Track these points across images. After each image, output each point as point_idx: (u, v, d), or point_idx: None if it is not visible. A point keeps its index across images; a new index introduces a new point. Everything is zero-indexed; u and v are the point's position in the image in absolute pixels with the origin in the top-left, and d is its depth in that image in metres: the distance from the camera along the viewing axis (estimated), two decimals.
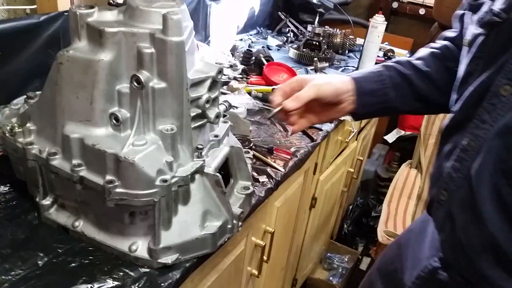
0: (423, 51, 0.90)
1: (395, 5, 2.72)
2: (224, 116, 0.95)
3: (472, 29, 0.71)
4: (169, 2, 0.73)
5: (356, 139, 2.03)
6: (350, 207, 2.39)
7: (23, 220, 0.82)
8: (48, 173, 0.77)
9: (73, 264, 0.74)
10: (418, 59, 0.88)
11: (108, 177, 0.69)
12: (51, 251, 0.76)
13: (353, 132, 1.73)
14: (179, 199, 0.75)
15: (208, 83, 0.75)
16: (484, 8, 0.68)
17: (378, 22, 1.84)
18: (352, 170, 2.01)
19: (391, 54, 2.16)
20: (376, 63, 1.99)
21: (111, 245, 0.76)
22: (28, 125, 0.77)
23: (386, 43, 2.30)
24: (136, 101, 0.70)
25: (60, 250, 0.76)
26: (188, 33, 0.71)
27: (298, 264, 1.82)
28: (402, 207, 1.68)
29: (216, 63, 1.61)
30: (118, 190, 0.69)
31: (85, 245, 0.78)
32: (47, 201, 0.80)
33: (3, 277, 0.70)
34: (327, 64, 1.85)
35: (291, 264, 1.69)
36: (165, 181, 0.70)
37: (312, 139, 1.28)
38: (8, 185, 0.90)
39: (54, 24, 1.16)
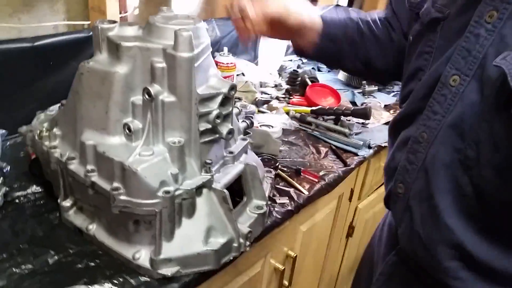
0: (377, 14, 0.93)
1: None
2: (246, 133, 0.95)
3: (416, 26, 0.74)
4: (187, 20, 0.75)
5: None
6: None
7: (45, 218, 0.87)
8: (67, 176, 0.82)
9: (79, 266, 0.77)
10: (375, 22, 0.91)
11: (115, 184, 0.72)
12: (63, 251, 0.79)
13: None
14: (184, 212, 0.76)
15: (219, 99, 0.76)
16: (426, 4, 0.71)
17: None
18: None
19: None
20: None
21: (117, 251, 0.78)
22: (54, 130, 0.83)
23: None
24: (147, 113, 0.73)
25: (71, 251, 0.80)
26: (201, 49, 0.73)
27: None
28: None
29: (260, 82, 1.64)
30: (122, 197, 0.71)
31: (95, 248, 0.81)
32: (67, 203, 0.85)
33: (14, 269, 0.74)
34: (376, 88, 1.79)
35: None
36: (167, 192, 0.71)
37: (345, 164, 1.24)
38: (39, 185, 0.96)
39: None
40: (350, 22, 0.89)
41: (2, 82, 1.10)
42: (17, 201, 0.92)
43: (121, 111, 0.74)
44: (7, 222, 0.85)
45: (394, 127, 0.80)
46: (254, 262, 1.02)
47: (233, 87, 0.77)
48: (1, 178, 0.95)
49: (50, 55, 1.18)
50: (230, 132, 0.81)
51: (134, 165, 0.69)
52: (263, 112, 1.46)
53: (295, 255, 1.15)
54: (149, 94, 0.71)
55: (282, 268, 1.11)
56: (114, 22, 0.74)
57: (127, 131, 0.74)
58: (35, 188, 0.96)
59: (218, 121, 0.78)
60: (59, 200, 0.86)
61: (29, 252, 0.78)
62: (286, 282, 1.16)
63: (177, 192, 0.73)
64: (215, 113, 0.76)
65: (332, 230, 1.42)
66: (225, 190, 0.79)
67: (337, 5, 2.19)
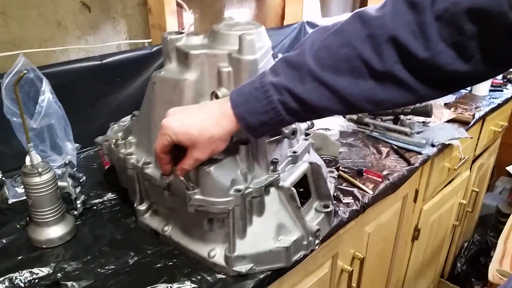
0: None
1: None
2: (307, 134, 0.96)
3: None
4: (248, 26, 0.78)
5: (470, 169, 1.86)
6: (465, 244, 2.17)
7: (122, 223, 0.93)
8: (143, 181, 0.86)
9: (158, 265, 0.81)
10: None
11: (190, 184, 0.75)
12: (141, 252, 0.84)
13: (462, 159, 1.59)
14: (254, 210, 0.78)
15: None
16: None
17: None
18: (464, 202, 1.84)
19: (511, 76, 1.96)
20: (492, 86, 1.83)
21: (192, 250, 0.81)
22: (129, 138, 0.88)
23: None
24: None
25: (149, 252, 0.84)
26: (263, 52, 0.75)
27: None
28: None
29: None
30: (197, 196, 0.74)
31: (171, 248, 0.85)
32: (143, 207, 0.90)
33: (99, 269, 0.79)
34: None
35: None
36: (238, 190, 0.74)
37: (409, 163, 1.22)
38: (114, 192, 1.03)
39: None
40: (275, 91, 0.65)
41: (74, 99, 1.18)
42: (94, 208, 0.98)
43: None
44: (87, 228, 0.92)
45: None
46: (323, 263, 1.02)
47: None
48: (79, 187, 1.02)
49: (117, 72, 1.26)
50: (294, 132, 0.83)
51: (207, 165, 0.72)
52: None
53: (362, 257, 1.13)
54: (217, 97, 0.74)
55: (350, 270, 1.10)
56: (181, 33, 0.79)
57: None
58: (110, 196, 1.02)
59: None
60: (135, 205, 0.91)
61: (110, 254, 0.84)
62: (354, 285, 1.15)
63: (247, 191, 0.75)
64: None
65: (397, 232, 1.39)
66: (293, 188, 0.80)
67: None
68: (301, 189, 0.88)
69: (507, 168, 2.24)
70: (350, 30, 0.60)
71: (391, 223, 1.32)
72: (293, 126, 0.82)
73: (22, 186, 1.04)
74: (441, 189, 1.63)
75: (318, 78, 0.61)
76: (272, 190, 0.80)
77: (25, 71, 0.72)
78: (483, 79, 0.61)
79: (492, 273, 1.36)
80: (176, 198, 0.80)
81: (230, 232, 0.76)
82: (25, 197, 1.00)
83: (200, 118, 0.67)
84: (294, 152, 0.87)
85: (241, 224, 0.76)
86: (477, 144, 1.81)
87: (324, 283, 1.06)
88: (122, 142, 0.88)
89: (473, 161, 1.87)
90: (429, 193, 1.51)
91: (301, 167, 0.87)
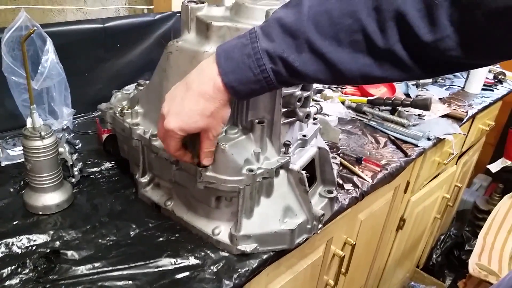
0: None
1: None
2: (315, 118, 0.96)
3: None
4: (273, 1, 0.76)
5: (456, 163, 1.90)
6: (442, 236, 2.23)
7: (121, 194, 0.90)
8: (149, 153, 0.84)
9: (160, 239, 0.79)
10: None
11: None
12: (143, 225, 0.82)
13: (452, 154, 1.62)
14: (263, 191, 0.78)
15: None
16: None
17: None
18: (448, 196, 1.88)
19: (502, 77, 2.00)
20: (484, 86, 1.86)
21: (196, 226, 0.80)
22: (136, 107, 0.85)
23: (498, 66, 2.13)
24: None
25: (150, 225, 0.82)
26: None
27: (378, 287, 1.74)
28: (500, 242, 1.54)
29: None
30: (208, 173, 0.72)
31: (174, 223, 0.83)
32: (145, 179, 0.88)
33: (100, 240, 0.77)
34: (430, 81, 1.77)
35: (370, 284, 1.63)
36: (251, 170, 0.72)
37: (406, 154, 1.23)
38: (112, 162, 1.00)
39: (167, 23, 1.27)
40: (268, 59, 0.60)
41: (72, 62, 1.13)
42: (92, 176, 0.95)
43: None
44: (84, 196, 0.89)
45: None
46: (318, 247, 1.03)
47: None
48: (75, 154, 0.98)
49: (118, 37, 1.21)
50: (308, 115, 0.82)
51: (222, 142, 0.71)
52: (316, 101, 1.46)
53: (354, 243, 1.15)
54: None
55: (343, 255, 1.11)
56: (203, 2, 0.76)
57: None
58: (108, 165, 0.99)
59: (299, 104, 0.78)
60: (136, 176, 0.89)
61: (111, 224, 0.81)
62: (343, 269, 1.17)
63: (258, 171, 0.74)
64: (297, 95, 0.77)
65: (385, 221, 1.42)
66: (303, 172, 0.80)
67: None
68: (307, 173, 0.88)
69: (488, 166, 2.30)
70: None
71: (381, 212, 1.34)
72: (307, 109, 0.81)
73: (15, 149, 1.00)
74: (428, 182, 1.66)
75: (317, 50, 0.56)
76: (282, 172, 0.79)
77: (35, 28, 0.68)
78: (480, 66, 0.60)
79: (472, 266, 1.41)
80: (183, 173, 0.78)
81: (238, 211, 0.75)
82: (18, 160, 0.96)
83: (194, 102, 0.62)
84: (304, 135, 0.86)
85: (249, 204, 0.75)
86: (464, 141, 1.85)
87: (316, 266, 1.07)
88: (129, 111, 0.85)
89: (459, 157, 1.91)
90: (418, 185, 1.54)
91: (310, 151, 0.86)
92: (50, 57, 0.90)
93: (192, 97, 0.62)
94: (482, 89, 1.86)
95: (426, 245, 2.12)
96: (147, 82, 0.89)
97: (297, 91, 0.77)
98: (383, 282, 1.74)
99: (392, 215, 1.44)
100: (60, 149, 0.90)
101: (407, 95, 1.64)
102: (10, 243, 0.74)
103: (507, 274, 0.71)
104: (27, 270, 0.70)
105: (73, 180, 0.91)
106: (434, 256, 2.17)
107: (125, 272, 0.71)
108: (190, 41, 0.75)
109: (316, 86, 1.55)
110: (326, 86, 1.60)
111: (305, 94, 0.79)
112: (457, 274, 2.19)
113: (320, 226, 0.84)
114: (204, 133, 0.66)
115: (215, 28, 0.72)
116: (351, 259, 1.17)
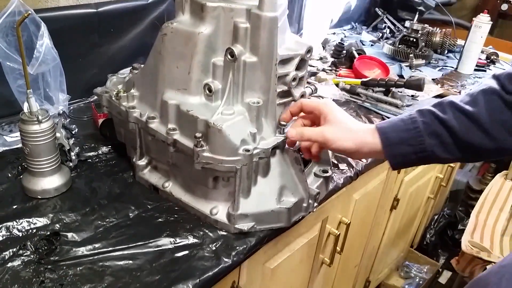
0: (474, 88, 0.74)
1: (504, 7, 2.52)
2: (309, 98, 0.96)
3: None
4: None
5: None
6: (436, 216, 2.26)
7: (119, 177, 0.91)
8: (145, 136, 0.85)
9: (159, 220, 0.81)
10: (465, 97, 0.71)
11: (199, 141, 0.74)
12: (141, 206, 0.83)
13: None
14: (259, 171, 0.79)
15: (296, 61, 0.77)
16: None
17: (482, 22, 1.73)
18: (441, 176, 1.90)
19: (495, 58, 2.01)
20: (476, 66, 1.87)
21: (194, 207, 0.81)
22: (132, 91, 0.86)
23: (490, 46, 2.15)
24: (228, 74, 0.75)
25: (149, 206, 0.84)
26: (282, 10, 0.74)
27: (373, 266, 1.77)
28: (492, 220, 1.56)
29: None
30: (205, 154, 0.73)
31: (172, 204, 0.84)
32: (142, 162, 0.89)
33: (99, 222, 0.78)
34: (423, 62, 1.77)
35: (365, 263, 1.66)
36: (247, 150, 0.74)
37: None
38: (109, 146, 1.01)
39: (160, 7, 1.26)
40: (419, 114, 0.71)
41: (66, 48, 1.13)
42: (89, 161, 0.96)
43: (202, 71, 0.76)
44: (82, 180, 0.90)
45: None
46: (313, 225, 1.05)
47: (309, 49, 0.78)
48: (72, 139, 0.99)
49: (112, 22, 1.20)
50: (303, 95, 0.83)
51: (219, 123, 0.72)
52: (311, 83, 1.47)
53: (349, 222, 1.17)
54: (232, 54, 0.73)
55: (338, 234, 1.13)
56: None
57: (207, 91, 0.77)
58: (104, 149, 1.00)
59: (294, 83, 0.79)
60: (133, 160, 0.89)
61: (110, 207, 0.83)
62: (338, 248, 1.19)
63: (255, 151, 0.75)
64: (292, 75, 0.78)
65: (379, 201, 1.44)
66: (297, 151, 0.81)
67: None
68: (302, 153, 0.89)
69: None
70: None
71: (376, 192, 1.36)
72: (302, 89, 0.82)
73: (12, 135, 1.00)
74: None
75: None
76: (278, 152, 0.81)
77: (29, 12, 0.68)
78: None
79: (465, 244, 1.44)
80: (180, 154, 0.79)
81: (235, 191, 0.76)
82: (15, 146, 0.97)
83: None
84: None
85: (246, 183, 0.77)
86: None
87: (312, 245, 1.09)
88: (124, 94, 0.85)
89: None
90: None
91: None
92: (45, 41, 0.89)
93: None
94: (475, 70, 1.87)
95: (420, 225, 2.16)
96: (142, 65, 0.89)
97: (292, 71, 0.78)
98: (378, 261, 1.77)
99: (386, 195, 1.46)
100: (57, 134, 0.90)
101: (401, 76, 1.65)
102: (11, 227, 0.75)
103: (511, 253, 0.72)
104: (28, 252, 0.71)
105: (71, 164, 0.91)
106: (428, 236, 2.21)
107: (125, 252, 0.73)
108: (185, 23, 0.76)
109: (310, 68, 1.55)
110: (321, 69, 1.61)
111: (300, 74, 0.80)
112: (450, 254, 2.23)
113: (315, 204, 0.86)
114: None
115: (209, 9, 0.72)
116: (346, 238, 1.20)
